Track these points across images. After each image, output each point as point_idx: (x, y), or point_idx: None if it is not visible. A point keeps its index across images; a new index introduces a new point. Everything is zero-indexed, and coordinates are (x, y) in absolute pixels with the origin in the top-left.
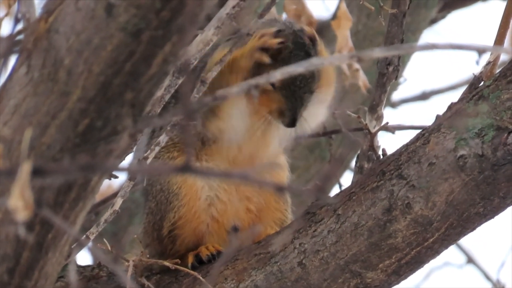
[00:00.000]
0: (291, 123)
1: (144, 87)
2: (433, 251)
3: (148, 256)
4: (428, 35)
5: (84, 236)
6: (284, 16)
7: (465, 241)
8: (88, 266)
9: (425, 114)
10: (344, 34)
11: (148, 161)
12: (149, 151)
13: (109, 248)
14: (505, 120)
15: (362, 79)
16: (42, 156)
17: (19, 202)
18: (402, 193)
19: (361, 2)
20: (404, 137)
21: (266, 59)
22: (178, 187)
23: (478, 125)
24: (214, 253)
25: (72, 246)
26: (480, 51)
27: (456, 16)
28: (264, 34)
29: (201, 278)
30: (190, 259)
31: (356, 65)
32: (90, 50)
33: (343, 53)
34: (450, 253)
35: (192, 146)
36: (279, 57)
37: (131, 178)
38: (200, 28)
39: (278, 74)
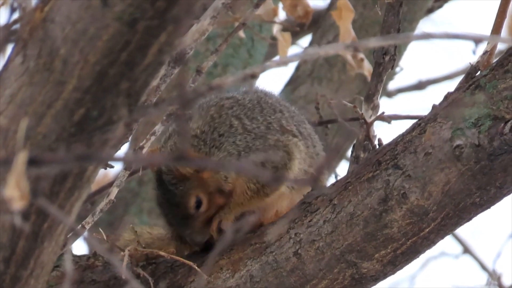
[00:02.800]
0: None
1: (140, 77)
2: (429, 241)
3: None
4: (424, 25)
5: (80, 225)
6: (280, 6)
7: (461, 231)
8: (84, 255)
9: (421, 104)
10: (346, 26)
11: (144, 150)
12: (144, 141)
13: (105, 237)
14: (501, 109)
15: (368, 69)
16: (38, 146)
17: (15, 191)
18: (398, 183)
19: None
20: (400, 127)
21: None
22: None
23: (475, 115)
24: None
25: (68, 236)
26: (477, 40)
27: (453, 6)
28: None
29: (196, 267)
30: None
31: (361, 55)
32: (85, 40)
33: (339, 43)
34: (446, 243)
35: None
36: None
37: (126, 167)
38: (195, 18)
39: (274, 64)
